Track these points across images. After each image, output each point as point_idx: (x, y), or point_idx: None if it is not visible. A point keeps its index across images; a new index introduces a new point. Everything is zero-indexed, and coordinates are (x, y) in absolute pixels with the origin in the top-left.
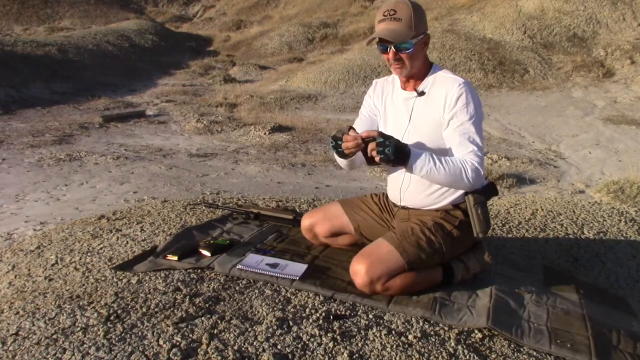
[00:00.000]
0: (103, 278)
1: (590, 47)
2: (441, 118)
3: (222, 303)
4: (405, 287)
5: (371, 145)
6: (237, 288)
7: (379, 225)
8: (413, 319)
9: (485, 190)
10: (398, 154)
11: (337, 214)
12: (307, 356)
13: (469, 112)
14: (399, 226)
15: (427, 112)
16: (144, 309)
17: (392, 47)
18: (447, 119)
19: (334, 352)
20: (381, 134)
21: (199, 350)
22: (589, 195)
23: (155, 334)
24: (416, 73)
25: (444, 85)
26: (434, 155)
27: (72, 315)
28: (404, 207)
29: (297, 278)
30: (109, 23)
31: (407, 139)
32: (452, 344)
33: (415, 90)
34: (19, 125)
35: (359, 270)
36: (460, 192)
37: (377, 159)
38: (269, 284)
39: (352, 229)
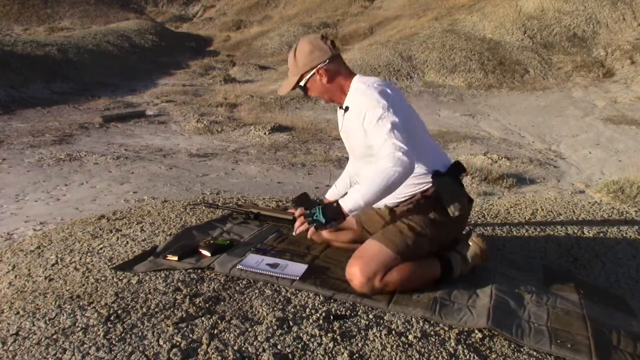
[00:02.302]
0: (103, 278)
1: (590, 47)
2: (362, 128)
3: (222, 303)
4: (404, 280)
5: (300, 221)
6: (237, 288)
7: (378, 217)
8: (413, 319)
9: (449, 171)
10: (328, 214)
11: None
12: (307, 356)
13: (377, 115)
14: (382, 227)
15: (353, 124)
16: (144, 309)
17: (301, 90)
18: (365, 128)
19: (334, 352)
20: (305, 208)
21: (199, 350)
22: (589, 195)
23: (155, 334)
24: (336, 97)
25: (354, 98)
26: (358, 187)
27: (72, 315)
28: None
29: (297, 278)
30: (109, 23)
31: (349, 149)
32: (452, 344)
33: (341, 107)
34: (19, 125)
35: (354, 272)
36: (425, 180)
37: (305, 226)
38: (269, 284)
39: (354, 223)
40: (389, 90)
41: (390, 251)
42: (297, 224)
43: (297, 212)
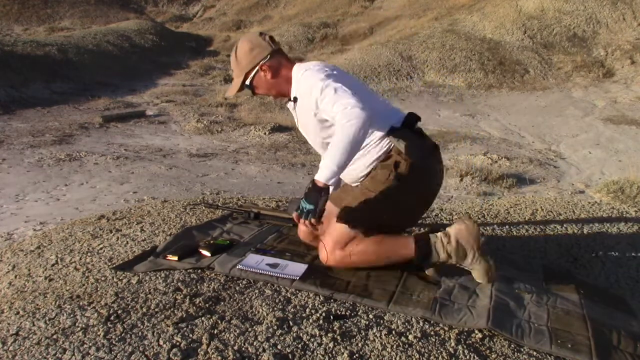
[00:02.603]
0: (103, 278)
1: (590, 47)
2: (316, 111)
3: (222, 303)
4: (367, 251)
5: (299, 223)
6: (237, 288)
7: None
8: (413, 319)
9: (404, 123)
10: (312, 197)
11: (331, 209)
12: (307, 356)
13: (319, 88)
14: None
15: (306, 112)
16: (144, 309)
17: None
18: (316, 108)
19: (334, 352)
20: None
21: (199, 350)
22: (589, 195)
23: (155, 334)
24: (284, 91)
25: (298, 86)
26: (326, 155)
27: (72, 315)
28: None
29: (297, 278)
30: (109, 23)
31: (312, 144)
32: (452, 344)
33: (290, 99)
34: (19, 125)
35: (320, 248)
36: (378, 144)
37: (308, 222)
38: (269, 284)
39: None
40: (326, 68)
41: (344, 223)
42: (298, 227)
43: (294, 217)
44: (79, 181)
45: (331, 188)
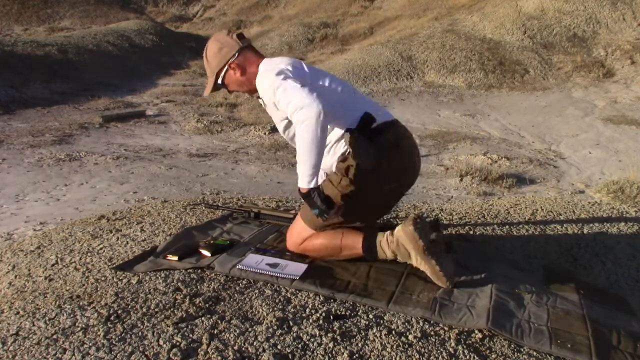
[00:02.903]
0: (103, 278)
1: (590, 47)
2: (279, 111)
3: (222, 303)
4: (321, 247)
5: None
6: (237, 288)
7: None
8: (413, 319)
9: (359, 126)
10: (309, 204)
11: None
12: (307, 356)
13: (273, 89)
14: None
15: (272, 110)
16: (144, 309)
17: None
18: (278, 109)
19: (334, 352)
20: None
21: (199, 350)
22: (589, 195)
23: (155, 334)
24: (254, 87)
25: (258, 84)
26: (298, 161)
27: (72, 315)
28: None
29: (297, 278)
30: (109, 23)
31: (282, 133)
32: (452, 344)
33: (258, 97)
34: (19, 125)
35: (287, 237)
36: (336, 145)
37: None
38: (269, 284)
39: None
40: (281, 65)
41: (301, 220)
42: (287, 237)
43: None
44: (79, 181)
45: (321, 179)
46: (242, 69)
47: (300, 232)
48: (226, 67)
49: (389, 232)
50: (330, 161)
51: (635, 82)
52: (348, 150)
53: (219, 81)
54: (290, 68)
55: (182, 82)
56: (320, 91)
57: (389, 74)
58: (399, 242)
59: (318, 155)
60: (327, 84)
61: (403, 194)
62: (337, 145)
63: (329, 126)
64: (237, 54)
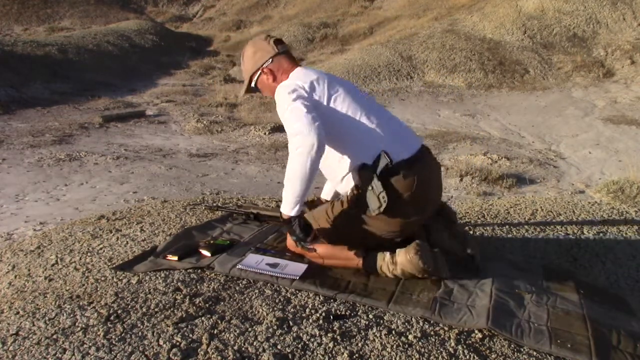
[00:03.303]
0: (103, 278)
1: (590, 47)
2: None
3: (222, 303)
4: (320, 255)
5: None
6: (237, 288)
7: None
8: (413, 319)
9: (373, 165)
10: (289, 230)
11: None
12: (307, 356)
13: (283, 106)
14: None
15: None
16: (144, 309)
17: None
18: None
19: (334, 352)
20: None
21: (199, 350)
22: (589, 195)
23: (155, 334)
24: None
25: (277, 100)
26: (284, 187)
27: (72, 315)
28: None
29: (297, 278)
30: (109, 23)
31: None
32: (452, 344)
33: None
34: (19, 125)
35: (287, 237)
36: (350, 176)
37: (299, 247)
38: (269, 284)
39: None
40: (301, 82)
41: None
42: (287, 238)
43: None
44: (78, 181)
45: (305, 208)
46: (274, 75)
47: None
48: (259, 71)
49: (389, 255)
50: (344, 189)
51: (635, 82)
52: (359, 186)
53: (252, 84)
54: (307, 87)
55: (182, 82)
56: (331, 119)
57: (389, 74)
58: (404, 270)
59: (303, 185)
60: (345, 108)
61: (419, 222)
62: (351, 175)
63: (345, 155)
64: (271, 60)
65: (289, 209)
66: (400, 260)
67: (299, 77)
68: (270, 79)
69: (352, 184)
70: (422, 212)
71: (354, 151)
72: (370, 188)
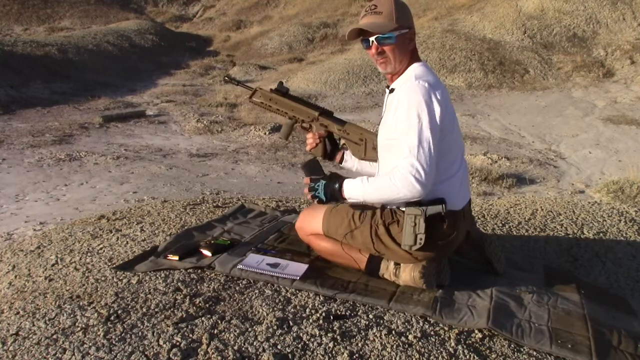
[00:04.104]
0: (103, 278)
1: (590, 47)
2: (394, 119)
3: (222, 303)
4: (325, 251)
5: (305, 191)
6: (237, 288)
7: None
8: (413, 318)
9: (428, 205)
10: (329, 192)
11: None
12: (307, 356)
13: (410, 117)
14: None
15: (390, 110)
16: (144, 309)
17: (375, 41)
18: (395, 121)
19: (334, 352)
20: (311, 178)
21: (199, 350)
22: (589, 195)
23: (155, 334)
24: (401, 70)
25: (402, 86)
26: (367, 179)
27: (72, 315)
28: None
29: (298, 278)
30: (109, 23)
31: (379, 134)
32: (452, 344)
33: (388, 86)
34: (19, 125)
35: (297, 224)
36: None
37: (315, 202)
38: (269, 284)
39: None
40: (436, 96)
41: (321, 225)
42: (310, 140)
43: (304, 180)
44: (78, 181)
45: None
46: (409, 45)
47: (312, 222)
48: (407, 30)
49: (393, 266)
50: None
51: (635, 82)
52: (398, 214)
53: (395, 34)
54: (436, 106)
55: (182, 82)
56: (442, 152)
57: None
58: (405, 283)
59: (379, 201)
60: (450, 146)
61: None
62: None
63: None
64: (413, 29)
65: (351, 197)
66: (404, 278)
67: (438, 86)
68: (410, 45)
69: (394, 205)
70: (443, 254)
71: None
72: (412, 224)
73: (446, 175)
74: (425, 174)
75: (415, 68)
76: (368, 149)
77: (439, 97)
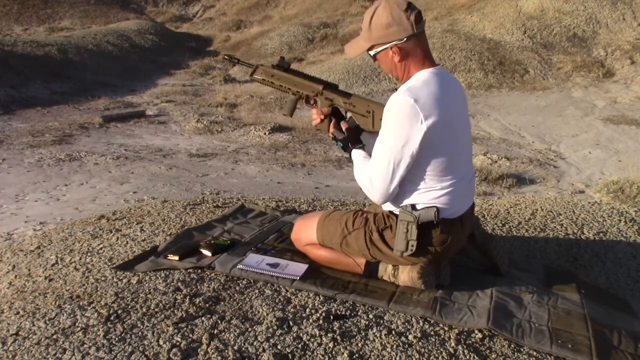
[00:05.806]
0: (103, 278)
1: (590, 47)
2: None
3: (222, 303)
4: (321, 258)
5: (315, 122)
6: (237, 288)
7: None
8: (413, 319)
9: (420, 213)
10: (343, 145)
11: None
12: (307, 356)
13: (384, 130)
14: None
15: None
16: (144, 309)
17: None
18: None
19: (334, 352)
20: (335, 130)
21: (199, 350)
22: (589, 195)
23: (155, 334)
24: (405, 77)
25: (393, 95)
26: (363, 158)
27: (72, 315)
28: None
29: (298, 278)
30: (109, 23)
31: None
32: (452, 344)
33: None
34: (19, 125)
35: (294, 229)
36: (398, 208)
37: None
38: (269, 284)
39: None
40: (420, 113)
41: (315, 235)
42: (315, 115)
43: (331, 128)
44: (78, 181)
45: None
46: (402, 56)
47: (306, 233)
48: (387, 46)
49: (391, 268)
50: (387, 207)
51: (635, 82)
52: (395, 224)
53: (372, 53)
54: (415, 118)
55: (182, 82)
56: (417, 164)
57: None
58: (404, 284)
59: (357, 177)
60: (442, 167)
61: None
62: (398, 205)
63: (411, 185)
64: (405, 39)
65: (353, 158)
66: (403, 278)
67: (429, 100)
68: (397, 58)
69: (390, 207)
70: (438, 259)
71: (421, 191)
72: (405, 230)
73: (440, 185)
74: (382, 184)
75: (416, 77)
76: (376, 121)
77: (423, 113)
